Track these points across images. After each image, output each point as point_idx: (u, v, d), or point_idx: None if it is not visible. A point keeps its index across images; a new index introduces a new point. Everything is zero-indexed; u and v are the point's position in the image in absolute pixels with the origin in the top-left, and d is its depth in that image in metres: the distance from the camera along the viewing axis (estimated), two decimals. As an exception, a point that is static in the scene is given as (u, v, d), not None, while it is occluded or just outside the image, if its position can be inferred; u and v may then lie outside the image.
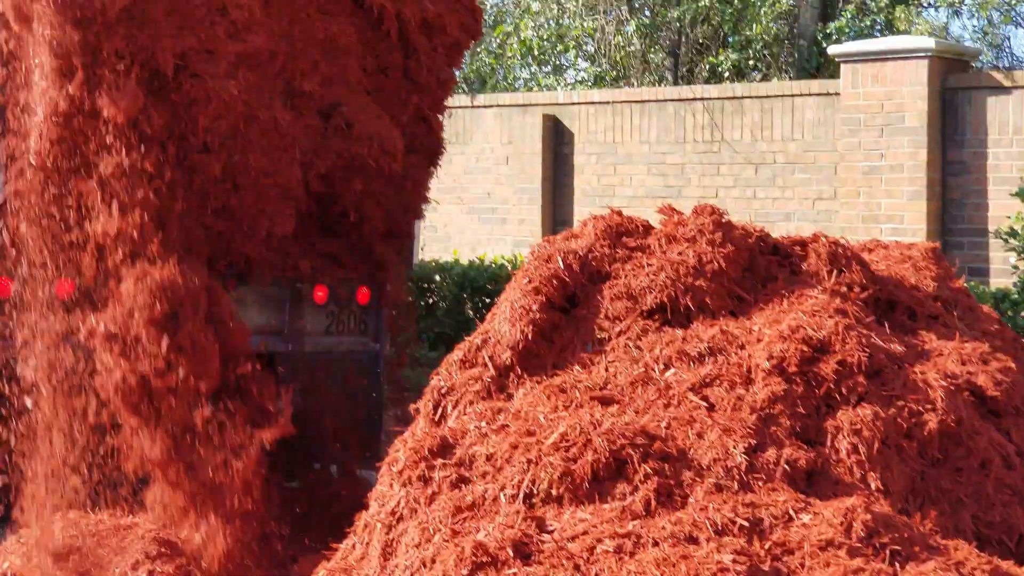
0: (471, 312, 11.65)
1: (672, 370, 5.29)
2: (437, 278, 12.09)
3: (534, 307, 5.49)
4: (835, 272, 5.97)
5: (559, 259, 5.65)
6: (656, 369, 5.30)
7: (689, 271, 5.66)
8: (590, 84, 19.23)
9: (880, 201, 12.20)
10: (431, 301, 12.02)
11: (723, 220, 5.90)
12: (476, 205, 14.70)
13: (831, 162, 12.59)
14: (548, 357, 5.44)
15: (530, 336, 5.43)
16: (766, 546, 4.46)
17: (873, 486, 4.98)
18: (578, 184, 14.04)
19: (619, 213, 5.97)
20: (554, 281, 5.58)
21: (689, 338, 5.42)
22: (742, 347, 5.36)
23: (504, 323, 5.48)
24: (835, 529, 4.53)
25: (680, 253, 5.74)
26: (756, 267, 5.93)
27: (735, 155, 13.06)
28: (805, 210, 12.75)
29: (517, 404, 5.20)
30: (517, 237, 14.24)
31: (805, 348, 5.24)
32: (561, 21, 19.34)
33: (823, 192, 12.66)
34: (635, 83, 18.84)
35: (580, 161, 14.02)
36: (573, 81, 19.73)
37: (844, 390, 5.19)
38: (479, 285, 11.93)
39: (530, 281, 5.57)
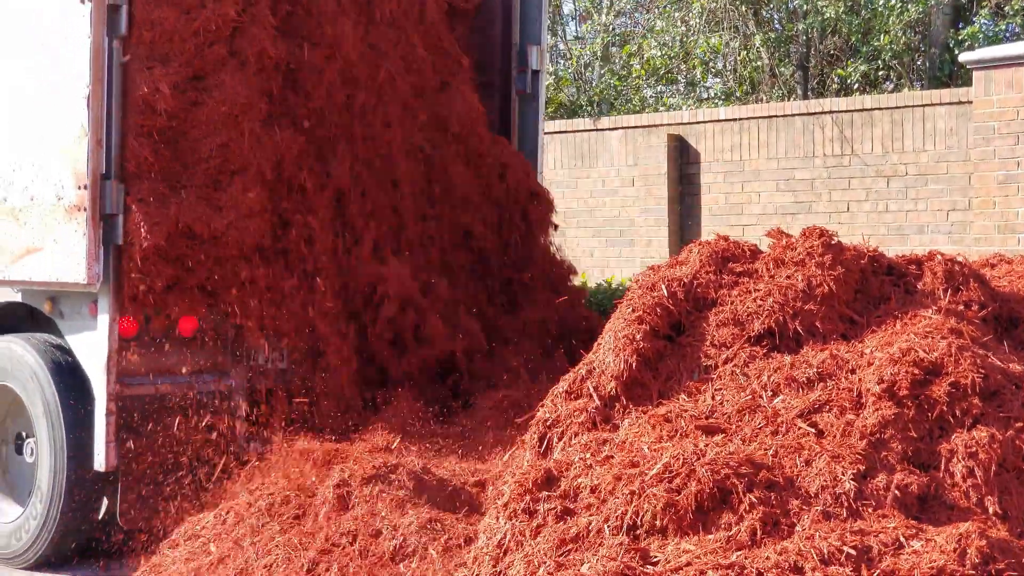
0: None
1: (780, 397, 5.23)
2: (565, 302, 12.07)
3: (638, 336, 5.46)
4: (951, 290, 5.84)
5: (663, 287, 5.62)
6: (764, 396, 5.24)
7: (798, 295, 5.59)
8: (718, 101, 19.10)
9: (1017, 210, 11.89)
10: (560, 326, 12.02)
11: (833, 242, 5.82)
12: (603, 228, 14.66)
13: (964, 172, 12.31)
14: (653, 386, 5.41)
15: (635, 365, 5.41)
16: (874, 574, 4.36)
17: (991, 510, 4.86)
18: (705, 203, 13.92)
19: (725, 238, 5.92)
20: (658, 309, 5.55)
21: (798, 364, 5.34)
22: (852, 371, 5.28)
23: (608, 353, 5.46)
24: (947, 556, 4.42)
25: (788, 277, 5.67)
26: (869, 288, 5.83)
27: (866, 168, 12.84)
28: (939, 222, 12.48)
29: (622, 435, 5.18)
30: (645, 259, 14.15)
31: (916, 371, 5.13)
32: (686, 39, 19.24)
33: (957, 203, 12.38)
34: (764, 98, 18.66)
35: (707, 180, 13.90)
36: (703, 98, 19.61)
37: (958, 412, 5.07)
38: (607, 308, 11.89)
39: (634, 310, 5.55)
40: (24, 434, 7.45)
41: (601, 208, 14.71)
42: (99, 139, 6.70)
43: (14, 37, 7.12)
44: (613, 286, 12.00)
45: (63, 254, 6.82)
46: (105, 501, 7.08)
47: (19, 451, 7.51)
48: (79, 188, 6.73)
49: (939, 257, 6.07)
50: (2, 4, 7.20)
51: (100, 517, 7.13)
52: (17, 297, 7.45)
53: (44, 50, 6.94)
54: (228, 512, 6.09)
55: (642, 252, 14.30)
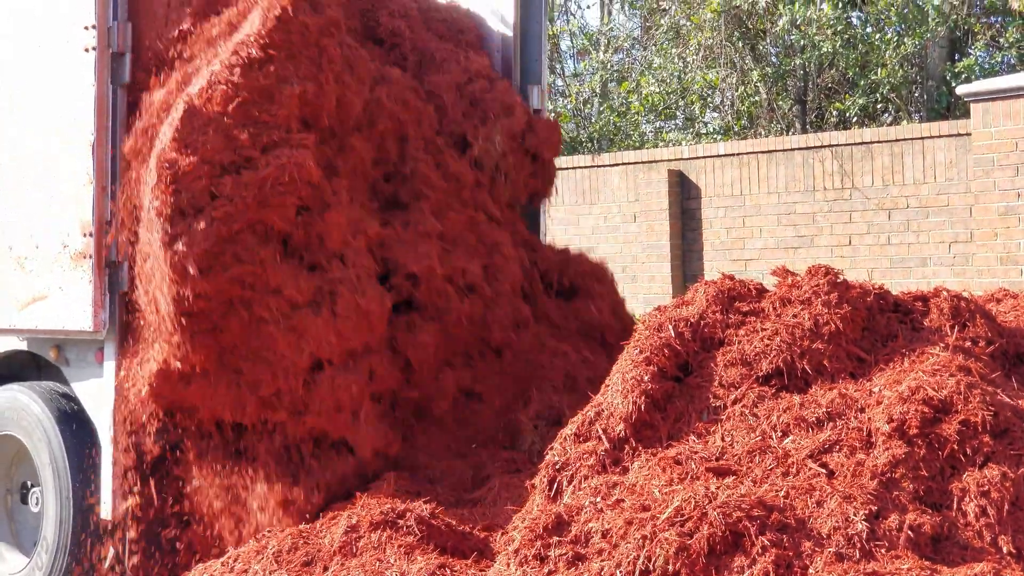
0: (603, 373, 11.60)
1: (790, 437, 5.21)
2: (568, 339, 12.06)
3: (646, 377, 5.45)
4: (958, 327, 5.84)
5: (670, 327, 5.62)
6: (774, 437, 5.22)
7: (805, 334, 5.59)
8: (717, 136, 19.15)
9: (1018, 241, 11.90)
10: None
11: (838, 280, 5.81)
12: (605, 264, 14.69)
13: (966, 204, 12.34)
14: (663, 428, 5.40)
15: (643, 407, 5.39)
16: (889, 617, 4.35)
17: (1004, 550, 4.83)
18: (707, 238, 13.96)
19: (731, 277, 5.91)
20: (666, 350, 5.54)
21: (807, 403, 5.33)
22: (862, 410, 5.27)
23: (616, 395, 5.44)
24: (962, 597, 4.41)
25: (795, 316, 5.67)
26: (876, 325, 5.82)
27: (867, 201, 12.86)
28: (941, 254, 12.49)
29: (632, 477, 5.16)
30: (648, 295, 14.17)
31: (926, 409, 5.12)
32: (684, 74, 19.30)
33: (959, 235, 12.40)
34: (763, 132, 18.70)
35: (708, 215, 13.94)
36: (701, 133, 19.66)
37: (969, 451, 5.06)
38: (610, 345, 11.87)
39: (641, 351, 5.54)
40: (30, 483, 7.42)
41: (603, 244, 14.73)
42: (104, 186, 6.70)
43: (19, 84, 7.14)
44: (616, 323, 11.97)
45: (69, 301, 6.82)
46: (112, 551, 7.05)
47: (24, 500, 7.48)
48: (84, 235, 6.73)
49: (945, 293, 6.06)
50: (7, 51, 7.22)
51: (107, 567, 7.10)
52: (23, 345, 7.44)
53: (49, 97, 6.96)
54: (236, 560, 6.06)
55: (645, 288, 14.31)
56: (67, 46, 6.84)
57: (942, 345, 5.61)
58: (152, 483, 6.82)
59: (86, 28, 6.74)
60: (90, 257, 6.70)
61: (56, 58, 6.92)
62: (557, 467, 5.39)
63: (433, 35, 8.42)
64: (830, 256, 12.88)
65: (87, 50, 6.74)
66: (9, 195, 7.16)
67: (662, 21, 20.28)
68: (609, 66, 21.20)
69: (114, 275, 6.75)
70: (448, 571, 5.40)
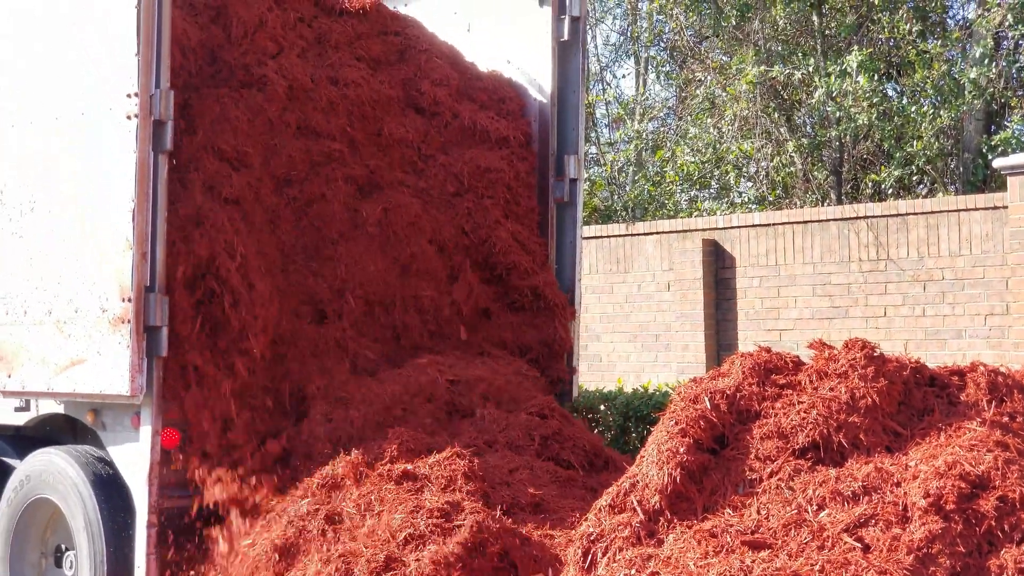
0: (637, 442, 11.57)
1: (826, 511, 5.18)
2: (602, 407, 12.04)
3: (682, 449, 5.44)
4: (995, 402, 5.81)
5: (706, 399, 5.61)
6: (809, 510, 5.20)
7: (842, 407, 5.57)
8: (752, 206, 19.18)
9: (1055, 315, 11.87)
10: (596, 431, 11.97)
11: (875, 354, 5.80)
12: (639, 332, 14.69)
13: (1001, 277, 12.29)
14: (698, 500, 5.38)
15: (679, 479, 5.38)
16: None
17: (1042, 628, 4.79)
18: (741, 308, 13.93)
19: (767, 349, 5.91)
20: (701, 422, 5.53)
21: (843, 477, 5.31)
22: (898, 484, 5.24)
23: (652, 466, 5.43)
24: (1001, 677, 4.36)
25: (832, 389, 5.66)
26: (912, 399, 5.81)
27: (902, 273, 12.84)
28: (977, 327, 12.44)
29: (667, 550, 5.14)
30: (681, 363, 14.15)
31: (963, 484, 5.09)
32: (719, 144, 19.37)
33: (995, 308, 12.35)
34: (798, 202, 18.73)
35: (742, 284, 13.93)
36: (735, 202, 19.69)
37: (1007, 527, 5.02)
38: (643, 414, 11.85)
39: (677, 423, 5.53)
40: (64, 547, 7.45)
41: (637, 313, 14.73)
42: (144, 252, 6.77)
43: (62, 150, 7.23)
44: (650, 391, 11.97)
45: (107, 366, 6.87)
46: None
47: (59, 564, 7.51)
48: (123, 300, 6.79)
49: (982, 368, 6.04)
50: (50, 117, 7.32)
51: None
52: (60, 409, 7.49)
53: (90, 164, 7.05)
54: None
55: (678, 357, 14.29)
56: (110, 113, 6.93)
57: (979, 420, 5.59)
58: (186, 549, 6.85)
59: (128, 96, 6.84)
60: (129, 322, 6.76)
61: (98, 124, 7.01)
62: (591, 538, 5.37)
63: (475, 104, 8.53)
64: (865, 327, 12.84)
65: (129, 117, 6.82)
66: (49, 260, 7.24)
67: (697, 91, 20.38)
68: (644, 135, 21.30)
69: (152, 340, 6.80)
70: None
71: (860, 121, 16.73)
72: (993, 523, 5.01)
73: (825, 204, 17.99)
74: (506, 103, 8.68)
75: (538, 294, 8.36)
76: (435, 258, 8.15)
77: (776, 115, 18.99)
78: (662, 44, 23.21)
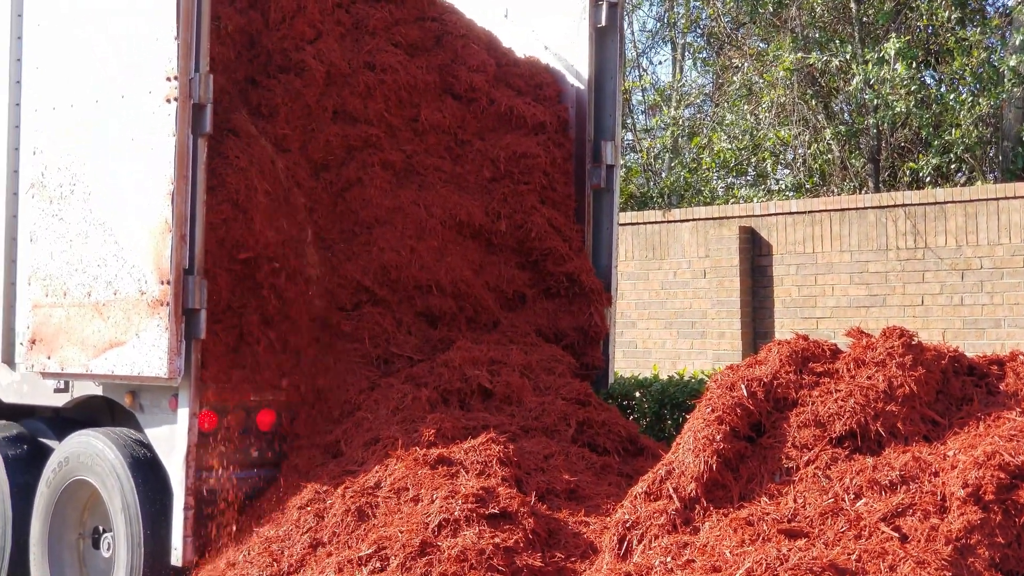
0: (672, 429, 11.55)
1: (863, 500, 5.17)
2: (637, 394, 12.03)
3: (718, 437, 5.43)
4: (1035, 392, 5.77)
5: (743, 387, 5.60)
6: (846, 499, 5.18)
7: (879, 396, 5.55)
8: (788, 193, 19.10)
9: (1094, 304, 11.79)
10: (631, 418, 11.96)
11: (913, 342, 5.77)
12: (675, 320, 14.67)
13: (1041, 265, 12.23)
14: (735, 488, 5.37)
15: (715, 467, 5.37)
16: None
17: (1081, 619, 4.77)
18: (778, 295, 13.89)
19: (805, 338, 5.89)
20: (738, 410, 5.52)
21: (880, 466, 5.29)
22: (936, 474, 5.22)
23: (688, 454, 5.43)
24: (1038, 668, 4.35)
25: (869, 378, 5.64)
26: (950, 389, 5.78)
27: (940, 261, 12.77)
28: (1015, 316, 12.36)
29: (703, 538, 5.13)
30: (717, 351, 14.12)
31: (1002, 474, 5.06)
32: (756, 131, 19.29)
33: (1033, 297, 12.29)
34: (835, 190, 18.63)
35: (779, 272, 13.89)
36: (772, 190, 19.61)
37: (1046, 518, 4.99)
38: (679, 401, 11.83)
39: (713, 410, 5.52)
40: (101, 528, 7.50)
41: (673, 300, 14.70)
42: (183, 235, 6.80)
43: (102, 132, 7.27)
44: (685, 378, 11.95)
45: (145, 348, 6.90)
46: (182, 596, 7.10)
47: (96, 545, 7.56)
48: (162, 283, 6.83)
49: (1021, 357, 6.01)
50: (89, 100, 7.35)
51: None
52: (98, 391, 7.54)
53: (130, 146, 7.07)
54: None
55: (714, 344, 14.26)
56: (149, 96, 6.96)
57: (1019, 410, 5.56)
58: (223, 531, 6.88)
59: (168, 79, 6.86)
60: (167, 304, 6.79)
61: (138, 107, 7.04)
62: (627, 525, 5.38)
63: (512, 90, 8.52)
64: (902, 316, 12.78)
65: (169, 100, 6.85)
66: (89, 242, 7.28)
67: (734, 78, 20.30)
68: (680, 122, 21.23)
69: (191, 322, 6.83)
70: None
71: (898, 109, 16.63)
72: (1032, 514, 4.98)
73: (863, 192, 17.90)
74: (543, 89, 8.67)
75: (574, 280, 8.36)
76: (471, 244, 8.15)
77: (813, 102, 18.88)
78: (699, 30, 23.13)
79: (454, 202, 8.10)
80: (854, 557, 4.84)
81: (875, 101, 16.93)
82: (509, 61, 8.70)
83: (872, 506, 5.12)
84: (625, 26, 16.72)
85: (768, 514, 5.16)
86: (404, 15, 8.44)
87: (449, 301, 7.95)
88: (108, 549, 7.38)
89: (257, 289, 7.14)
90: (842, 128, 18.45)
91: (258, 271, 7.13)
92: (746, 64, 20.13)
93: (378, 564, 5.92)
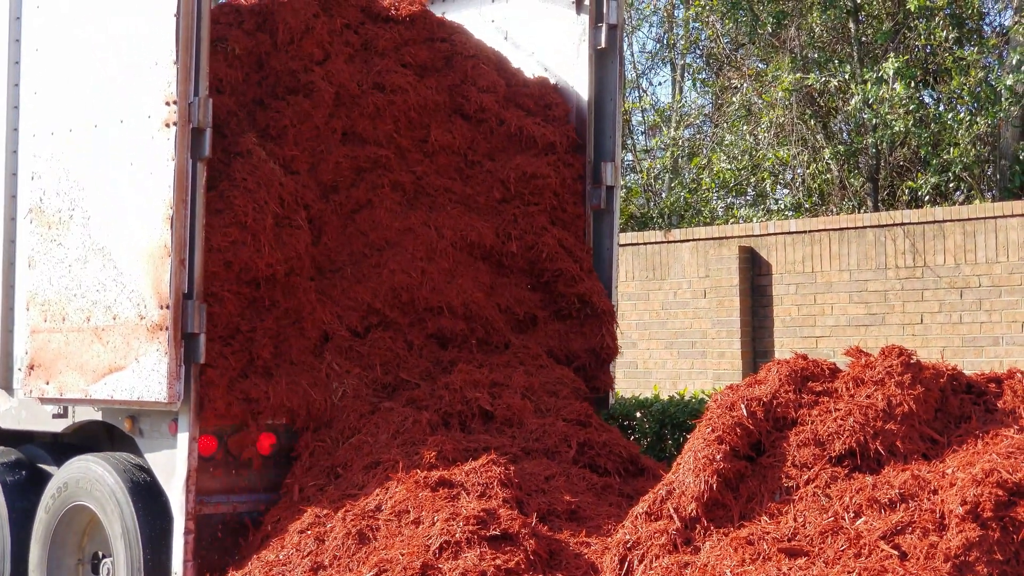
0: (673, 449, 11.55)
1: (862, 518, 5.17)
2: (638, 415, 12.02)
3: (718, 456, 5.44)
4: (1033, 409, 5.78)
5: (743, 406, 5.61)
6: (846, 518, 5.19)
7: (878, 415, 5.56)
8: (788, 213, 19.13)
9: (1093, 322, 11.81)
10: (632, 438, 11.96)
11: (912, 361, 5.78)
12: (675, 339, 14.67)
13: (1039, 283, 12.25)
14: (735, 507, 5.38)
15: (715, 486, 5.38)
16: None
17: (1081, 637, 4.77)
18: (777, 315, 13.91)
19: (804, 357, 5.90)
20: (738, 429, 5.53)
21: (879, 484, 5.30)
22: (935, 492, 5.22)
23: (688, 473, 5.43)
24: None
25: (868, 396, 5.64)
26: (949, 407, 5.79)
27: (939, 280, 12.79)
28: (1014, 333, 12.37)
29: (704, 557, 5.14)
30: (717, 370, 14.13)
31: (1000, 492, 5.07)
32: (755, 151, 19.31)
33: (1032, 314, 12.30)
34: (834, 209, 18.65)
35: (779, 292, 13.90)
36: (772, 210, 19.63)
37: (1045, 535, 4.99)
38: (679, 421, 11.82)
39: (713, 430, 5.53)
40: (101, 554, 7.50)
41: (673, 320, 14.72)
42: (182, 259, 6.81)
43: (101, 157, 7.28)
44: (686, 398, 11.95)
45: (145, 373, 6.91)
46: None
47: (95, 571, 7.55)
48: (161, 307, 6.84)
49: (1019, 375, 6.02)
50: (88, 124, 7.37)
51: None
52: (97, 416, 7.54)
53: (129, 171, 7.09)
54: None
55: (714, 364, 14.26)
56: (148, 121, 6.98)
57: (1016, 427, 5.57)
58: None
59: (167, 104, 6.88)
60: (167, 329, 6.80)
61: (137, 132, 7.06)
62: (628, 545, 5.38)
63: (521, 110, 8.52)
64: (901, 335, 12.79)
65: (168, 125, 6.87)
66: (88, 267, 7.29)
67: (733, 99, 20.34)
68: (680, 142, 21.27)
69: (190, 347, 6.84)
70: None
71: (896, 128, 16.66)
72: (1031, 531, 4.98)
73: (861, 211, 17.92)
74: (552, 109, 8.68)
75: (585, 301, 8.35)
76: (481, 265, 8.15)
77: (812, 122, 18.92)
78: (698, 51, 23.18)
79: (464, 223, 8.10)
80: (854, 575, 4.84)
81: (874, 120, 16.96)
82: (519, 81, 8.71)
83: (872, 524, 5.12)
84: (625, 47, 16.79)
85: (768, 533, 5.16)
86: (413, 36, 8.44)
87: (460, 323, 7.94)
88: (108, 574, 7.37)
89: (265, 312, 7.15)
90: (841, 148, 18.48)
91: (266, 294, 7.15)
92: (745, 84, 20.18)
93: None
